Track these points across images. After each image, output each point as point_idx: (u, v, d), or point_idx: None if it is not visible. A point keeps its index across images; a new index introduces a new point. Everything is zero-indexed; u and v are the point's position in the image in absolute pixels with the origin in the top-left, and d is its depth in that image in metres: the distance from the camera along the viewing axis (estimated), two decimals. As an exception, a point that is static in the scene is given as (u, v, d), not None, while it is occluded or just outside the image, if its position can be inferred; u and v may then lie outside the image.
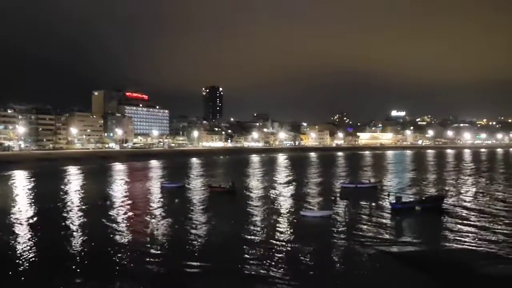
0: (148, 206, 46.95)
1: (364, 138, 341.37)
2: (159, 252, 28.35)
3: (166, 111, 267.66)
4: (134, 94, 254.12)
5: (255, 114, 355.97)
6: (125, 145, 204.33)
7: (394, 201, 44.28)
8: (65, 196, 55.36)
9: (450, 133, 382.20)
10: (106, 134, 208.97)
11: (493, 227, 35.15)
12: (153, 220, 39.03)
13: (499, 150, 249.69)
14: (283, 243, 30.31)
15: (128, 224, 37.57)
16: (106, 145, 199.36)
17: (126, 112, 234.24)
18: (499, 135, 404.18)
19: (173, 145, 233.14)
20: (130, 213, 42.70)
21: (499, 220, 38.14)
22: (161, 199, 52.44)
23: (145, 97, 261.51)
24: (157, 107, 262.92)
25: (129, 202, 50.18)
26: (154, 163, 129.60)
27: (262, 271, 24.02)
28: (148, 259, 26.42)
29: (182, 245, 29.83)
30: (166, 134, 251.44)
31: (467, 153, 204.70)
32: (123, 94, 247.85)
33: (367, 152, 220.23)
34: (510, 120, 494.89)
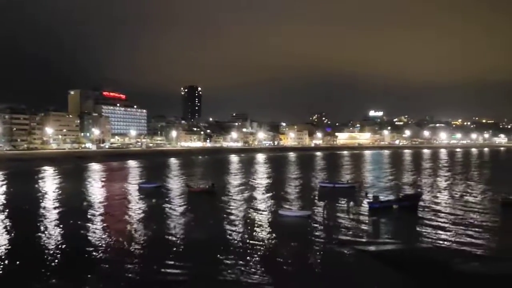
0: (125, 207, 46.40)
1: (342, 138, 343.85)
2: (136, 253, 28.01)
3: (144, 110, 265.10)
4: (112, 94, 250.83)
5: (234, 114, 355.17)
6: (102, 145, 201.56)
7: (372, 200, 44.75)
8: (40, 197, 54.31)
9: (426, 133, 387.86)
10: (82, 134, 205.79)
11: (468, 225, 35.81)
12: (130, 221, 38.58)
13: (474, 150, 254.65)
14: (262, 244, 30.30)
15: (104, 225, 37.03)
16: (83, 145, 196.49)
17: (103, 111, 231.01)
18: (474, 135, 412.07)
19: (151, 145, 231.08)
20: (106, 214, 42.15)
21: (474, 219, 38.90)
22: (139, 200, 51.88)
23: (123, 96, 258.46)
24: (135, 106, 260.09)
25: (106, 203, 49.56)
26: (131, 163, 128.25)
27: (241, 272, 23.94)
28: (124, 261, 26.05)
29: (160, 247, 29.56)
30: (144, 134, 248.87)
31: (443, 153, 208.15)
32: (100, 93, 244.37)
33: (345, 152, 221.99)
34: (484, 121, 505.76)
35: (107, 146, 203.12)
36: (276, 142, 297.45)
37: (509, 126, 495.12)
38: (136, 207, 46.49)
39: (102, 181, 74.20)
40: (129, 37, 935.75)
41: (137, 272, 24.27)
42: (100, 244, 30.31)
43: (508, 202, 46.28)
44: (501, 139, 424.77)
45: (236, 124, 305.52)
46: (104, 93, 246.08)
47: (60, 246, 29.85)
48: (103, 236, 32.77)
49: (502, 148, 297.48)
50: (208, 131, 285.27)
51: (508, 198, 47.34)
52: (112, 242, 30.98)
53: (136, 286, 22.56)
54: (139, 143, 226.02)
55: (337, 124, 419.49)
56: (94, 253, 27.81)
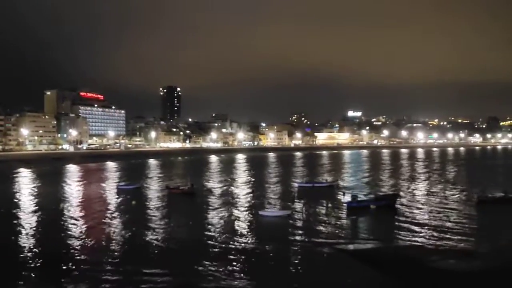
0: (103, 209, 45.92)
1: (321, 138, 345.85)
2: (114, 256, 27.77)
3: (123, 111, 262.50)
4: (89, 94, 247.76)
5: (213, 115, 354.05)
6: (79, 146, 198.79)
7: (350, 200, 45.28)
8: (16, 199, 53.36)
9: (404, 133, 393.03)
10: (59, 135, 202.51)
11: (444, 224, 36.49)
12: (108, 223, 38.20)
13: (450, 150, 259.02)
14: (242, 244, 30.36)
15: (81, 227, 36.56)
16: (60, 147, 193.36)
17: (81, 112, 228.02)
18: (450, 135, 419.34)
19: (130, 146, 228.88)
20: (84, 216, 41.61)
21: (450, 217, 39.63)
22: (117, 201, 51.38)
23: (101, 97, 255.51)
24: (113, 107, 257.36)
25: (84, 204, 48.95)
26: (110, 164, 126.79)
27: (220, 274, 23.96)
28: (102, 264, 25.82)
29: (139, 249, 29.38)
30: (122, 135, 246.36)
31: (420, 153, 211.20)
32: (77, 94, 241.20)
33: (324, 152, 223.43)
34: (460, 121, 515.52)
35: (84, 147, 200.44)
36: (256, 143, 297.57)
37: (483, 126, 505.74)
38: (115, 209, 46.07)
39: (79, 183, 73.20)
40: (107, 37, 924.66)
41: (115, 274, 24.06)
42: (77, 247, 29.95)
43: (484, 200, 47.28)
44: (476, 139, 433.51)
45: (216, 124, 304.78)
46: (82, 93, 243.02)
47: (36, 249, 29.43)
48: (80, 239, 32.39)
49: (477, 148, 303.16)
50: (188, 131, 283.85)
51: (484, 196, 48.33)
52: (89, 245, 30.66)
53: (115, 288, 22.36)
54: (118, 144, 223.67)
55: (316, 124, 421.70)
56: (71, 256, 27.46)
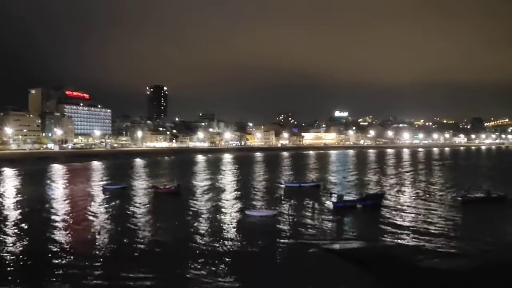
0: (88, 209, 45.49)
1: (308, 138, 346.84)
2: (100, 256, 27.54)
3: (108, 110, 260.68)
4: (75, 93, 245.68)
5: (200, 114, 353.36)
6: (65, 145, 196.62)
7: (336, 200, 45.47)
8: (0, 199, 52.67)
9: (390, 133, 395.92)
10: (44, 134, 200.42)
11: (429, 223, 36.84)
12: (94, 224, 37.86)
13: (435, 150, 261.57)
14: (229, 244, 30.33)
15: (67, 228, 36.22)
16: (44, 146, 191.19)
17: (66, 111, 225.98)
18: (435, 135, 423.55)
19: (116, 145, 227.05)
20: (69, 216, 41.24)
21: (434, 216, 40.01)
22: (103, 201, 50.93)
23: (86, 96, 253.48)
24: (99, 106, 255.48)
25: (69, 204, 48.47)
26: (96, 164, 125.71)
27: (207, 274, 23.92)
28: (87, 265, 25.57)
29: (123, 249, 29.18)
30: (108, 134, 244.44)
31: (405, 153, 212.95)
32: (62, 92, 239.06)
33: (311, 152, 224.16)
34: (445, 121, 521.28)
35: (70, 147, 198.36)
36: (243, 142, 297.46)
37: (468, 127, 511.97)
38: (101, 209, 45.66)
39: (65, 183, 72.45)
40: (94, 36, 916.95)
41: (100, 275, 23.89)
42: (61, 247, 29.65)
43: (468, 200, 47.84)
44: (461, 139, 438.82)
45: (203, 124, 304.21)
46: (67, 92, 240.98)
47: (19, 249, 29.09)
48: (65, 239, 32.09)
49: (461, 148, 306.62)
50: (174, 131, 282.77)
51: (468, 196, 48.90)
52: (73, 245, 30.33)
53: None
54: (104, 144, 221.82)
55: (303, 124, 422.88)
56: (55, 257, 27.18)
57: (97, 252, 28.56)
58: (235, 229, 35.41)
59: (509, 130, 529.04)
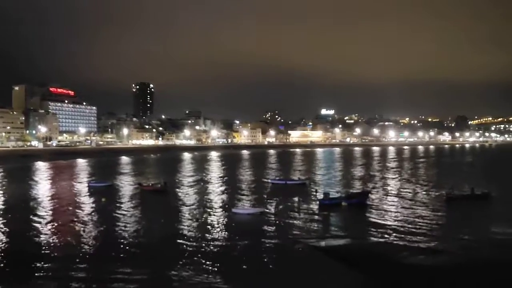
0: (74, 207, 45.05)
1: (295, 136, 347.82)
2: (85, 255, 27.21)
3: (94, 107, 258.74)
4: (59, 90, 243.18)
5: (187, 112, 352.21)
6: (49, 143, 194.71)
7: (322, 197, 45.66)
8: (-18, 197, 51.86)
9: (376, 131, 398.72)
10: (28, 131, 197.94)
11: (414, 220, 37.13)
12: (79, 222, 37.44)
13: (420, 148, 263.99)
14: (215, 242, 30.26)
15: (51, 226, 35.79)
16: (28, 143, 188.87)
17: (50, 108, 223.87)
18: (420, 133, 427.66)
19: (101, 143, 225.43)
20: (54, 215, 40.76)
21: (420, 214, 40.34)
22: (88, 199, 50.51)
23: (71, 93, 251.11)
24: (84, 103, 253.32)
25: (53, 202, 47.94)
26: (81, 161, 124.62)
27: (193, 272, 23.81)
28: (72, 264, 25.21)
29: (109, 247, 28.89)
30: (93, 131, 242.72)
31: (391, 151, 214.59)
32: (47, 89, 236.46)
33: (297, 150, 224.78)
34: (430, 119, 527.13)
35: (54, 144, 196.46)
36: (229, 140, 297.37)
37: (452, 125, 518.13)
38: (86, 207, 45.25)
39: (49, 181, 71.68)
40: (80, 34, 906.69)
41: (85, 274, 23.63)
42: (45, 246, 29.31)
43: (452, 197, 48.36)
44: (445, 137, 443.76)
45: (189, 121, 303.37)
46: (51, 89, 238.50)
47: (3, 248, 28.67)
48: (50, 238, 31.70)
49: (446, 146, 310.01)
50: (161, 128, 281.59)
51: (452, 194, 49.42)
52: (58, 244, 30.02)
53: (85, 288, 21.94)
54: (89, 141, 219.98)
55: (290, 122, 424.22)
56: (38, 256, 26.74)
57: (81, 251, 28.23)
58: (221, 227, 35.35)
59: (493, 129, 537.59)
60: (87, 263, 25.45)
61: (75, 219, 38.49)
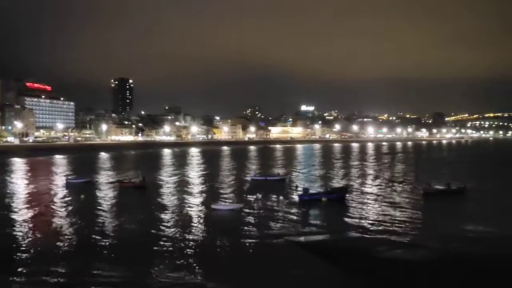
0: (50, 203, 44.43)
1: (275, 132, 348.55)
2: (62, 253, 26.86)
3: (72, 103, 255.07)
4: (36, 85, 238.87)
5: (166, 107, 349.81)
6: (25, 139, 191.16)
7: (302, 193, 45.92)
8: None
9: (355, 127, 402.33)
10: (3, 127, 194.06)
11: (392, 215, 37.66)
12: (56, 219, 36.95)
13: (398, 144, 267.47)
14: (195, 238, 30.23)
15: (27, 223, 35.18)
16: (4, 139, 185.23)
17: (27, 103, 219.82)
18: (398, 130, 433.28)
19: (79, 139, 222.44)
20: (30, 211, 40.04)
21: (397, 209, 40.90)
22: (66, 196, 49.80)
23: (48, 88, 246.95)
24: (62, 98, 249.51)
25: (30, 199, 47.12)
26: (58, 157, 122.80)
27: (172, 268, 23.73)
28: (49, 261, 24.84)
29: (87, 245, 28.60)
30: (71, 127, 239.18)
31: (370, 146, 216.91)
32: (23, 84, 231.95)
33: (278, 146, 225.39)
34: (408, 116, 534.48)
35: (31, 140, 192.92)
36: (210, 136, 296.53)
37: (430, 121, 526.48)
38: (63, 203, 44.65)
39: (26, 177, 70.47)
40: (56, 28, 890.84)
41: (63, 272, 23.30)
42: (22, 244, 28.79)
43: (429, 192, 49.16)
44: (423, 133, 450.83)
45: (169, 117, 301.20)
46: (28, 84, 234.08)
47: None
48: (26, 235, 31.16)
49: (423, 142, 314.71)
50: (140, 124, 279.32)
51: (429, 188, 50.24)
52: (35, 242, 29.54)
53: None
54: (66, 137, 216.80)
55: (270, 118, 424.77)
56: (15, 254, 26.30)
57: (58, 248, 27.85)
58: (201, 223, 35.31)
59: (468, 125, 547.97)
60: (64, 261, 25.12)
61: (52, 216, 37.98)
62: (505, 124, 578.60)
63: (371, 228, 33.07)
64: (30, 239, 30.22)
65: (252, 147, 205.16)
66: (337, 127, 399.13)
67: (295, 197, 46.05)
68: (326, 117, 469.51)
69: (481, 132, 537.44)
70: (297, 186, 50.98)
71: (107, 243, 29.07)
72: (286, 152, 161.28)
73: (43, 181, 64.56)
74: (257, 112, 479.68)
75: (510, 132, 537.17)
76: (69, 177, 66.57)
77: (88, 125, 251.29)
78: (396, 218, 36.54)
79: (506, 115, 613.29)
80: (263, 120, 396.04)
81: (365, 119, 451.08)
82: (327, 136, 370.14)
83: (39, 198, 48.32)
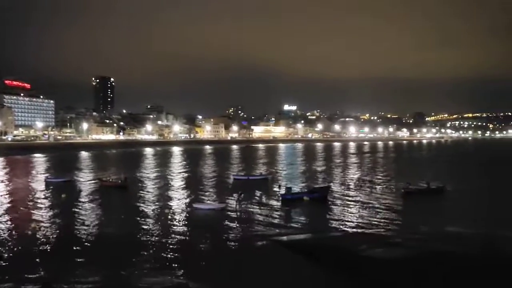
0: (29, 203, 43.75)
1: (258, 131, 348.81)
2: (40, 254, 26.45)
3: (51, 101, 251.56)
4: (15, 82, 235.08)
5: (149, 106, 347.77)
6: (4, 137, 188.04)
7: (284, 192, 46.04)
8: None
9: (337, 127, 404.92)
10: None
11: (373, 214, 38.01)
12: (34, 218, 36.32)
13: (380, 143, 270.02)
14: (176, 237, 30.06)
15: (5, 223, 34.58)
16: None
17: (5, 101, 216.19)
18: (380, 129, 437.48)
19: (59, 137, 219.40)
20: (8, 211, 39.37)
21: (377, 207, 41.31)
22: (46, 195, 49.13)
23: (27, 85, 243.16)
24: (41, 96, 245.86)
25: (8, 198, 46.37)
26: (38, 156, 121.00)
27: (153, 269, 23.58)
28: (27, 261, 24.49)
29: (67, 244, 28.21)
30: (51, 126, 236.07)
31: (351, 146, 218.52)
32: (1, 82, 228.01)
33: (260, 145, 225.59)
34: (389, 116, 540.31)
35: (10, 139, 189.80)
36: (192, 135, 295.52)
37: (410, 121, 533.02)
38: (42, 203, 43.97)
39: (3, 176, 69.23)
40: (38, 24, 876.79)
41: (41, 272, 22.97)
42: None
43: (409, 191, 49.74)
44: (404, 133, 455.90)
45: (151, 116, 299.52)
46: (6, 81, 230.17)
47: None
48: (3, 235, 30.63)
49: (404, 142, 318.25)
50: (122, 123, 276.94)
51: (410, 188, 50.83)
52: (13, 241, 29.03)
53: None
54: (46, 136, 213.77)
55: (252, 117, 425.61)
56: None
57: (38, 246, 27.46)
58: (182, 223, 35.14)
59: (448, 125, 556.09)
60: (43, 261, 24.78)
61: (31, 216, 37.36)
62: (484, 124, 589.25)
63: (353, 227, 33.35)
64: (7, 239, 29.63)
65: (234, 147, 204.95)
66: (320, 126, 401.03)
67: (278, 197, 46.14)
68: (309, 117, 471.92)
69: (460, 132, 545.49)
70: (279, 186, 51.06)
71: (87, 244, 28.73)
72: (269, 152, 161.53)
73: (21, 180, 63.53)
74: (239, 112, 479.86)
75: (488, 132, 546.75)
76: (49, 176, 65.59)
77: (68, 124, 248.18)
78: (377, 217, 36.90)
79: (484, 115, 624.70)
80: (245, 120, 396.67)
81: (347, 119, 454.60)
82: (310, 135, 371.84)
83: (17, 197, 47.49)
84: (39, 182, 60.37)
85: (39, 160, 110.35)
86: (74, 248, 27.50)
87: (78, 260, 24.89)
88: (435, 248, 27.88)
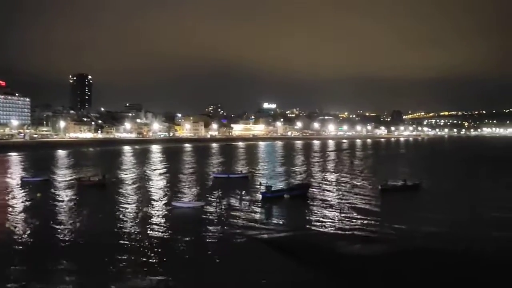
0: (4, 203, 42.93)
1: (237, 129, 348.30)
2: (16, 253, 26.08)
3: (27, 99, 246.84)
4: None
5: (127, 104, 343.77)
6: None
7: (264, 190, 46.17)
8: None
9: (316, 125, 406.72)
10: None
11: (351, 211, 38.51)
12: (10, 218, 35.75)
13: (358, 141, 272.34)
14: (155, 236, 29.95)
15: (-19, 223, 33.97)
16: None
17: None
18: (358, 127, 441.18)
19: (36, 136, 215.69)
20: (-16, 211, 38.65)
21: (357, 205, 41.89)
22: (21, 194, 48.34)
23: (2, 83, 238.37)
24: (17, 94, 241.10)
25: (-17, 199, 45.47)
26: (13, 155, 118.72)
27: (132, 267, 23.49)
28: (3, 262, 24.16)
29: (43, 245, 27.84)
30: (27, 124, 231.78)
31: (330, 144, 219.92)
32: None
33: (240, 143, 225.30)
34: (367, 114, 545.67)
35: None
36: (171, 133, 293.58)
37: (388, 119, 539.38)
38: (18, 203, 43.30)
39: (-22, 176, 67.79)
40: (11, 20, 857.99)
41: (18, 275, 22.55)
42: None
43: (386, 188, 50.45)
44: (382, 131, 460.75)
45: (130, 114, 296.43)
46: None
47: None
48: (-21, 235, 30.08)
49: (382, 139, 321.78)
50: (100, 121, 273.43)
51: (387, 185, 51.54)
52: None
53: None
54: (22, 134, 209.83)
55: (232, 115, 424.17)
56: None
57: (14, 247, 27.04)
58: (162, 221, 35.00)
59: (425, 123, 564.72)
60: (18, 262, 24.39)
61: (6, 215, 36.72)
62: (459, 122, 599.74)
63: (332, 224, 33.74)
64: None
65: (214, 145, 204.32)
66: (299, 124, 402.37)
67: (258, 195, 46.29)
68: (288, 115, 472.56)
69: (437, 130, 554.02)
70: (259, 184, 51.20)
71: (64, 243, 28.40)
72: (249, 150, 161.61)
73: (-4, 179, 62.29)
74: (219, 110, 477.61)
75: (464, 130, 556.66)
76: (25, 176, 64.49)
77: (45, 122, 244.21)
78: (355, 214, 37.41)
79: (460, 113, 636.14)
80: (225, 118, 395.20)
81: (326, 117, 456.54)
82: (289, 133, 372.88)
83: (-7, 197, 46.60)
84: (14, 182, 59.30)
85: (15, 159, 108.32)
86: (50, 248, 27.13)
87: (54, 262, 24.46)
88: (411, 244, 28.44)
